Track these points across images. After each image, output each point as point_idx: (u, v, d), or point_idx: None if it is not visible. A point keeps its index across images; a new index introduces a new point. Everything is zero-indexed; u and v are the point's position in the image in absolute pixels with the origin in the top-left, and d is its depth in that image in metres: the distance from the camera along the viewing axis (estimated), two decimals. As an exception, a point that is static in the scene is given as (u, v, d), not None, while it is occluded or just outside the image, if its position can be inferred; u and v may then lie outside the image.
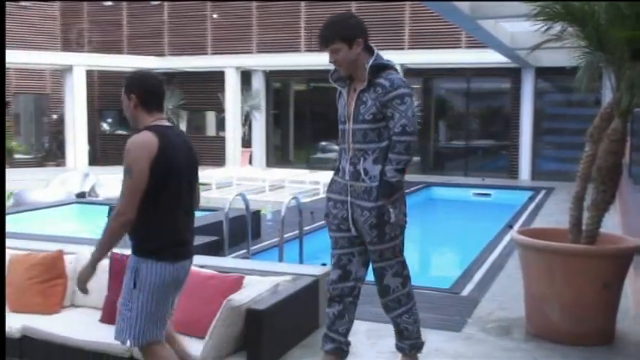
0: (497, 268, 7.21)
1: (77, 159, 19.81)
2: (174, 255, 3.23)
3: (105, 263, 4.41)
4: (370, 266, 3.92)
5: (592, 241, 4.75)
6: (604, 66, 4.94)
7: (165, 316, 3.30)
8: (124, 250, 3.70)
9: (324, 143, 20.28)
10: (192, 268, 4.38)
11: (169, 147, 3.18)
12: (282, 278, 4.40)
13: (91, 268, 3.24)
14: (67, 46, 22.49)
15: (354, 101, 3.69)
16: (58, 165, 20.75)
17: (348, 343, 3.98)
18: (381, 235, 3.68)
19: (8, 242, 5.36)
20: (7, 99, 21.56)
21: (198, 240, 6.83)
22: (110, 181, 13.24)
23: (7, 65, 19.92)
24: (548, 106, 18.01)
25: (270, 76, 20.94)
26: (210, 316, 3.83)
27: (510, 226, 9.65)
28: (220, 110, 20.54)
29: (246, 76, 20.52)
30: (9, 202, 12.69)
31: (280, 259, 6.89)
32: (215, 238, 7.18)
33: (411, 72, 18.15)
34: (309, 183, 15.02)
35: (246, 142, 20.56)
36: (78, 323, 4.30)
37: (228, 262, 5.54)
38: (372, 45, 3.73)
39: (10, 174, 17.45)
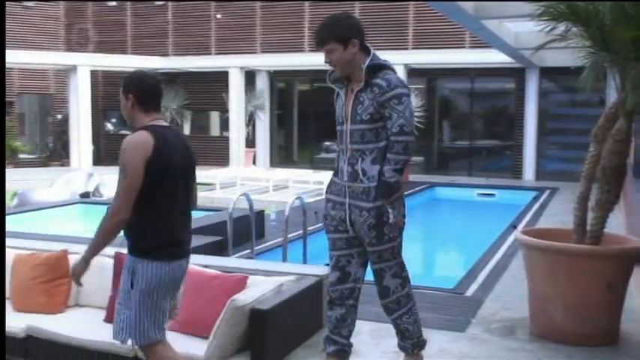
0: (501, 269, 7.20)
1: (81, 159, 19.85)
2: (170, 255, 3.23)
3: (109, 263, 4.43)
4: (369, 267, 3.91)
5: (596, 242, 4.74)
6: (608, 66, 4.92)
7: (164, 315, 3.30)
8: (123, 249, 3.70)
9: (327, 143, 20.27)
10: (196, 268, 4.41)
11: (165, 146, 3.19)
12: (285, 278, 4.40)
13: (83, 264, 3.29)
14: (69, 46, 22.53)
15: (352, 101, 3.68)
16: (62, 165, 20.79)
17: (350, 345, 3.98)
18: (380, 236, 3.66)
19: (13, 242, 5.38)
20: (11, 99, 21.62)
21: (203, 240, 6.87)
22: (114, 181, 13.19)
23: (11, 65, 20.00)
24: (553, 106, 17.98)
25: (274, 76, 20.95)
26: (214, 316, 3.83)
27: (514, 227, 9.64)
28: (224, 110, 20.56)
29: (250, 76, 20.53)
30: (13, 202, 12.72)
31: (284, 259, 6.89)
32: (219, 238, 7.19)
33: (414, 72, 18.15)
34: (313, 183, 15.03)
35: (250, 142, 20.57)
36: (82, 323, 4.31)
37: (232, 262, 5.55)
38: (370, 45, 3.71)
39: (15, 174, 17.52)
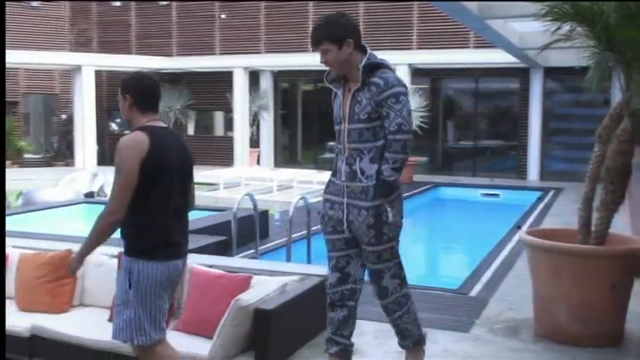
0: (505, 269, 7.19)
1: (86, 159, 19.88)
2: (166, 255, 3.25)
3: (113, 263, 4.44)
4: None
5: (601, 242, 4.73)
6: (613, 66, 4.91)
7: (163, 315, 3.31)
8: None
9: (332, 143, 20.15)
10: (201, 267, 4.42)
11: (160, 147, 3.21)
12: (290, 278, 4.40)
13: (79, 260, 3.35)
14: (73, 46, 22.57)
15: (349, 101, 3.66)
16: (66, 165, 20.82)
17: (352, 345, 3.96)
18: (379, 236, 3.63)
19: (17, 241, 5.40)
20: (16, 99, 21.68)
21: (207, 240, 6.88)
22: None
23: (16, 66, 20.05)
24: (557, 106, 17.94)
25: (278, 76, 20.95)
26: (219, 316, 3.84)
27: (519, 227, 9.63)
28: (228, 110, 20.57)
29: (254, 77, 20.54)
30: (18, 202, 12.76)
31: (288, 259, 6.90)
32: (223, 237, 7.19)
33: (418, 72, 18.13)
34: (317, 183, 15.01)
35: (254, 142, 20.58)
36: (87, 322, 4.31)
37: (237, 261, 5.55)
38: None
39: (20, 173, 17.57)
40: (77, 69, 19.81)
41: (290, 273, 4.60)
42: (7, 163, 19.96)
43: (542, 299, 4.88)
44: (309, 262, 7.02)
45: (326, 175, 17.36)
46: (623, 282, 4.67)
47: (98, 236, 3.24)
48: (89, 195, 13.03)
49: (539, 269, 4.88)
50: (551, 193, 14.16)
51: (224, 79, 20.25)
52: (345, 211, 3.69)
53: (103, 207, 3.29)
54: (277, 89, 21.13)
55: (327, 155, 20.25)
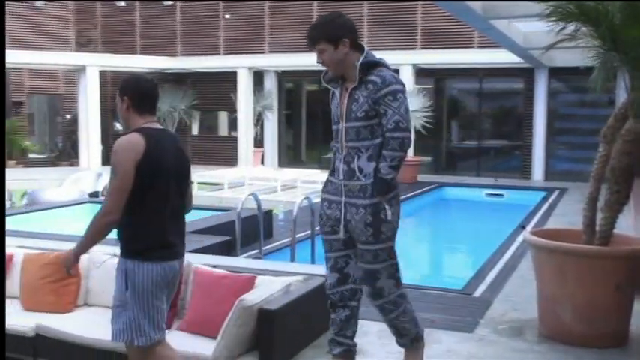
0: (509, 269, 7.18)
1: (90, 159, 19.91)
2: (161, 256, 3.25)
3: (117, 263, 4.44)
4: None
5: (606, 242, 4.72)
6: (618, 66, 4.90)
7: (161, 315, 3.31)
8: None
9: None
10: (205, 267, 4.42)
11: (156, 149, 3.22)
12: (293, 278, 4.40)
13: (73, 258, 3.36)
14: (77, 46, 22.63)
15: (347, 100, 3.66)
16: (71, 165, 20.87)
17: (355, 345, 3.95)
18: (377, 234, 3.60)
19: (22, 241, 5.41)
20: (21, 99, 21.73)
21: (211, 239, 6.88)
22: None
23: (21, 66, 20.11)
24: (562, 106, 17.90)
25: (283, 76, 20.96)
26: (223, 316, 3.84)
27: (523, 227, 9.62)
28: (232, 110, 20.58)
29: (258, 77, 20.55)
30: (23, 202, 12.80)
31: (292, 259, 6.90)
32: (227, 237, 7.20)
33: (423, 72, 18.12)
34: (321, 183, 14.77)
35: (259, 142, 20.59)
36: (91, 322, 4.32)
37: (241, 261, 5.56)
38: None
39: (24, 173, 17.62)
40: (82, 69, 19.85)
41: (294, 273, 4.61)
42: (12, 163, 20.03)
43: (547, 299, 4.87)
44: (313, 262, 7.02)
45: (330, 175, 17.17)
46: (628, 282, 4.66)
47: (93, 236, 3.26)
48: (94, 195, 13.05)
49: (543, 269, 4.87)
50: (555, 194, 14.14)
51: (228, 79, 20.26)
52: (343, 211, 3.67)
53: (106, 207, 3.29)
54: (281, 89, 21.14)
55: (331, 155, 20.20)
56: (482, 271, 7.15)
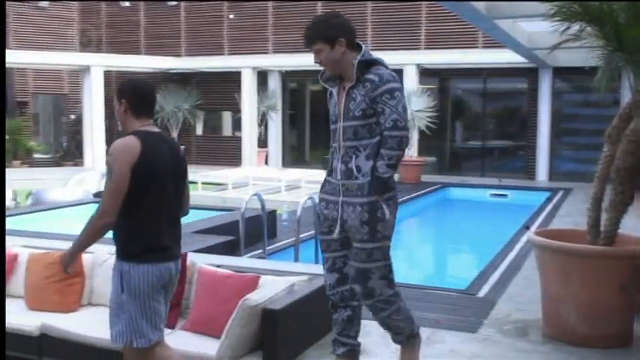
0: (513, 270, 7.17)
1: (95, 159, 19.94)
2: (156, 258, 3.26)
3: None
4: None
5: (610, 243, 4.71)
6: (623, 66, 4.89)
7: (159, 317, 3.31)
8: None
9: (340, 144, 20.23)
10: (209, 267, 4.43)
11: (152, 151, 3.23)
12: (297, 278, 4.40)
13: (69, 258, 3.39)
14: (81, 46, 22.68)
15: (344, 99, 3.65)
16: (76, 165, 20.91)
17: (359, 344, 3.95)
18: (373, 232, 3.57)
19: (26, 241, 5.43)
20: (26, 99, 21.78)
21: (215, 239, 6.89)
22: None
23: (25, 66, 20.16)
24: (566, 106, 17.87)
25: (287, 76, 20.97)
26: (227, 316, 3.84)
27: (527, 227, 9.60)
28: (236, 110, 20.60)
29: (262, 77, 20.57)
30: (28, 201, 12.83)
31: (296, 259, 6.91)
32: (231, 237, 7.20)
33: (427, 72, 18.10)
34: (325, 183, 15.00)
35: (262, 142, 20.60)
36: (95, 322, 4.32)
37: (244, 261, 5.56)
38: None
39: (29, 173, 17.67)
40: (86, 69, 19.89)
41: (298, 273, 4.61)
42: (17, 163, 20.08)
43: (551, 300, 4.86)
44: (317, 262, 7.01)
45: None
46: (632, 283, 4.65)
47: (88, 238, 3.27)
48: (98, 195, 13.03)
49: (547, 270, 4.86)
50: (560, 194, 14.11)
51: (232, 79, 20.28)
52: (340, 210, 3.65)
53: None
54: (285, 89, 21.15)
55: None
56: (486, 272, 7.14)
